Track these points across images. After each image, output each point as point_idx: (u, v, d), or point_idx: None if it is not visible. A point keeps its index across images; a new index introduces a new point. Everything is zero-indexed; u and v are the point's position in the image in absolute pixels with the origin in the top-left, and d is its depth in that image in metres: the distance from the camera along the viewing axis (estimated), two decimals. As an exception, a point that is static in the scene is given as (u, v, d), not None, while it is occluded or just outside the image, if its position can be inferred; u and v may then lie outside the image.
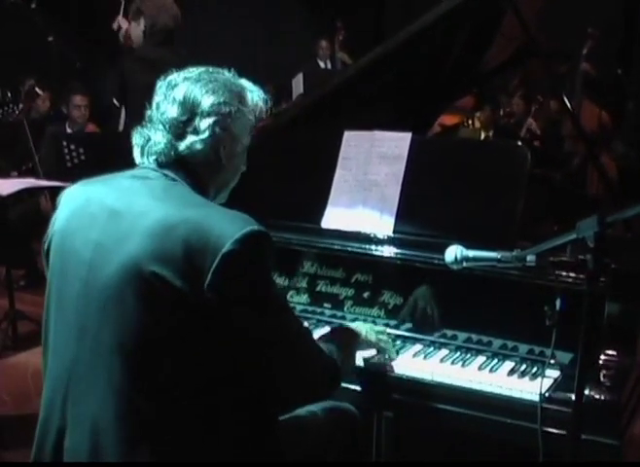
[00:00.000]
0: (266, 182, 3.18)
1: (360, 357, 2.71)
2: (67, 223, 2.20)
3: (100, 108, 8.00)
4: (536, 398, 2.45)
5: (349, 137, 3.15)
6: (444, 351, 2.81)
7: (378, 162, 3.06)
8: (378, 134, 3.11)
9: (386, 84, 3.52)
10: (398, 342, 2.84)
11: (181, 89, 2.19)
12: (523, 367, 2.68)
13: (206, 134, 2.17)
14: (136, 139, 2.25)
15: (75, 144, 6.34)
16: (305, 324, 2.99)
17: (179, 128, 2.18)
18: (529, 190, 2.85)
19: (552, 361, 2.58)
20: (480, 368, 2.68)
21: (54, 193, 5.87)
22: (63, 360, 2.12)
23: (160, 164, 2.20)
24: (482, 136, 7.76)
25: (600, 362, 2.51)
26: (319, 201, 3.13)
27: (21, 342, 5.53)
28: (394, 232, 2.98)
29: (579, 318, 2.07)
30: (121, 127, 6.54)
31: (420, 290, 2.87)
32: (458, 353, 2.79)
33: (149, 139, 2.21)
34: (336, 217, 3.09)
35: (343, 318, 3.02)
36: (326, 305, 3.06)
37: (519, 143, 3.41)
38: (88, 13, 10.43)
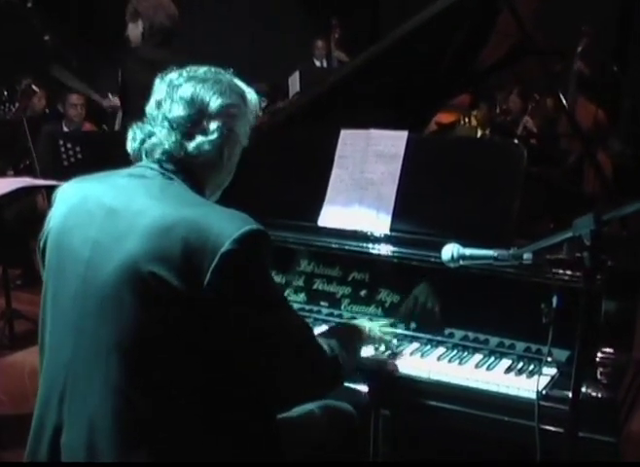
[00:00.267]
0: (262, 180, 3.18)
1: (362, 354, 2.71)
2: (64, 220, 2.20)
3: (97, 107, 8.00)
4: (533, 396, 2.45)
5: (346, 136, 3.16)
6: (441, 349, 2.81)
7: (375, 161, 3.07)
8: (375, 133, 3.11)
9: (382, 82, 3.52)
10: (395, 341, 2.84)
11: (187, 88, 2.19)
12: (520, 365, 2.68)
13: (215, 136, 2.18)
14: (135, 134, 2.24)
15: (71, 143, 6.33)
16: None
17: (187, 128, 2.17)
18: (526, 188, 2.86)
19: (549, 359, 2.57)
20: (477, 366, 2.68)
21: (51, 192, 5.88)
22: (60, 358, 2.12)
23: (162, 163, 2.19)
24: (479, 134, 7.76)
25: (597, 359, 2.51)
26: (316, 200, 3.13)
27: (18, 342, 5.52)
28: (391, 230, 2.98)
29: (575, 316, 2.08)
30: (117, 126, 6.54)
31: (417, 288, 2.87)
32: (455, 351, 2.79)
33: (150, 135, 2.20)
34: (332, 215, 3.09)
35: (340, 317, 3.02)
36: (323, 303, 3.06)
37: (516, 141, 3.41)
38: (87, 12, 10.42)
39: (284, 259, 3.08)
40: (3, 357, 5.31)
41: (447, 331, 2.83)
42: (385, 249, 2.95)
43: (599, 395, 2.44)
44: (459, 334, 2.82)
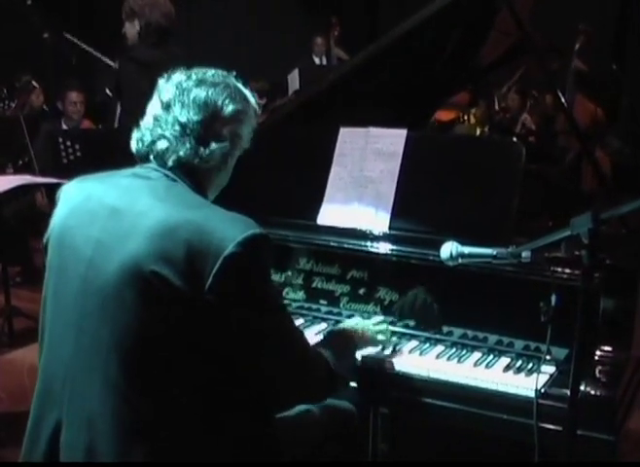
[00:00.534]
0: (261, 179, 3.18)
1: (359, 355, 2.71)
2: (66, 219, 2.20)
3: (96, 105, 8.00)
4: (532, 394, 2.46)
5: (345, 134, 3.16)
6: (440, 347, 2.82)
7: (374, 159, 3.07)
8: (374, 131, 3.11)
9: (381, 80, 3.52)
10: (394, 339, 2.85)
11: (199, 92, 2.17)
12: (519, 363, 2.68)
13: (227, 142, 2.19)
14: (144, 135, 2.21)
15: (71, 140, 6.33)
16: (301, 321, 3.01)
17: (200, 133, 2.16)
18: (524, 186, 2.86)
19: (548, 357, 2.58)
20: (475, 364, 2.69)
21: (50, 189, 5.91)
22: (60, 356, 2.12)
23: (168, 165, 2.18)
24: (478, 132, 7.77)
25: (596, 357, 2.52)
26: (315, 198, 3.13)
27: (17, 339, 5.52)
28: (389, 228, 2.99)
29: (574, 314, 2.08)
30: (116, 124, 6.53)
31: (416, 286, 2.87)
32: (454, 349, 2.80)
33: (160, 138, 2.18)
34: (331, 214, 3.10)
35: (339, 315, 3.02)
36: (322, 301, 3.06)
37: (514, 139, 3.41)
38: (86, 9, 10.42)
39: (283, 257, 3.08)
40: (2, 355, 5.31)
41: (446, 329, 2.84)
42: (384, 247, 2.95)
43: (598, 393, 2.45)
44: (458, 332, 2.82)
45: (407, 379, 2.68)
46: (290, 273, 3.11)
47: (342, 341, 2.62)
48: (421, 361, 2.73)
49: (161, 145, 2.18)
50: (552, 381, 2.54)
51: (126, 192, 2.15)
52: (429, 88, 3.78)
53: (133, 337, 2.01)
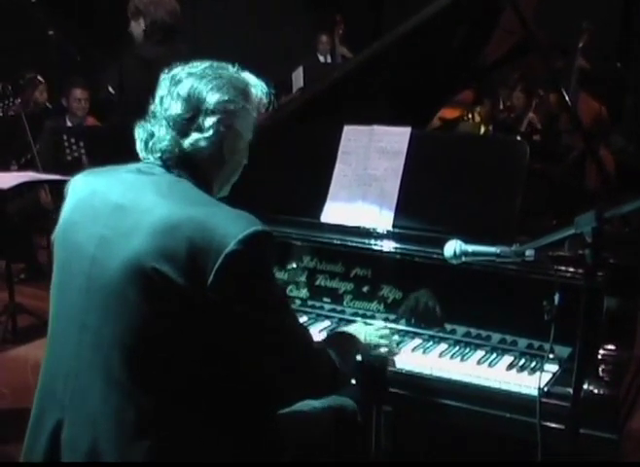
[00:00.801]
0: (265, 176, 3.18)
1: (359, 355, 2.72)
2: (71, 215, 2.21)
3: (100, 102, 7.98)
4: (535, 392, 2.46)
5: (349, 132, 3.16)
6: (443, 346, 2.82)
7: (378, 157, 3.07)
8: (378, 129, 3.11)
9: (386, 78, 3.52)
10: (396, 337, 2.85)
11: (185, 85, 2.17)
12: (522, 361, 2.68)
13: (210, 132, 2.16)
14: (139, 134, 2.23)
15: (75, 137, 6.34)
16: (305, 318, 3.01)
17: (183, 125, 2.16)
18: (528, 184, 2.86)
19: (551, 355, 2.58)
20: (478, 362, 2.69)
21: (54, 186, 5.91)
22: (63, 353, 2.13)
23: (165, 161, 2.18)
24: (482, 130, 7.75)
25: (599, 356, 2.52)
26: (319, 196, 3.13)
27: (21, 336, 5.54)
28: (393, 226, 2.99)
29: (577, 313, 2.08)
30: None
31: (419, 285, 2.87)
32: (457, 347, 2.80)
33: (152, 134, 2.19)
34: (335, 211, 3.10)
35: (343, 312, 3.02)
36: (325, 299, 3.07)
37: (519, 138, 3.41)
38: (90, 7, 10.41)
39: (287, 254, 3.09)
40: (6, 351, 5.32)
41: (449, 327, 2.84)
42: (388, 245, 2.95)
43: (601, 392, 2.45)
44: (461, 330, 2.82)
45: (409, 377, 2.68)
46: (293, 271, 3.11)
47: (345, 341, 2.63)
48: (424, 359, 2.73)
49: (152, 141, 2.19)
50: (555, 380, 2.54)
51: (131, 188, 2.15)
52: (433, 86, 3.78)
53: (136, 334, 2.01)
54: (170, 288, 1.97)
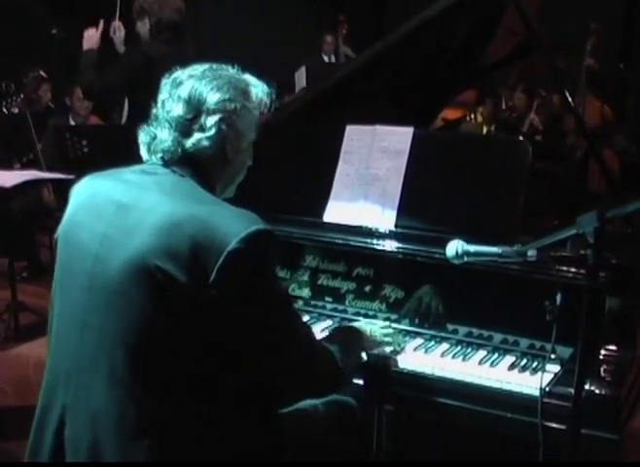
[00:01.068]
0: (268, 176, 3.17)
1: (364, 353, 2.71)
2: (74, 215, 2.22)
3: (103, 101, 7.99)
4: (536, 392, 2.46)
5: (351, 131, 3.16)
6: (445, 345, 2.82)
7: (380, 157, 3.07)
8: (380, 129, 3.11)
9: (388, 78, 3.52)
10: (400, 342, 2.84)
11: (186, 86, 2.18)
12: (524, 361, 2.68)
13: (212, 132, 2.17)
14: (142, 138, 2.25)
15: (78, 136, 6.34)
16: (307, 318, 3.01)
17: (185, 126, 2.17)
18: (530, 184, 2.86)
19: (553, 356, 2.58)
20: (480, 362, 2.69)
21: (57, 185, 5.92)
22: (66, 351, 2.13)
23: (167, 162, 2.20)
24: (485, 130, 7.77)
25: (600, 357, 2.52)
26: (321, 195, 3.13)
27: (23, 334, 5.54)
28: (395, 226, 2.99)
29: (579, 313, 2.08)
30: (124, 120, 6.53)
31: (421, 284, 2.87)
32: (459, 347, 2.80)
33: (155, 137, 2.20)
34: (337, 211, 3.10)
35: (345, 312, 3.03)
36: (327, 298, 3.07)
37: (521, 138, 3.41)
38: (94, 5, 10.41)
39: (289, 254, 3.08)
40: (8, 349, 5.32)
41: (451, 327, 2.84)
42: (390, 245, 2.95)
43: (602, 392, 2.44)
44: (463, 330, 2.82)
45: (411, 377, 2.68)
46: (296, 270, 3.11)
47: (349, 338, 2.63)
48: (426, 359, 2.73)
49: (154, 143, 2.21)
50: (557, 380, 2.54)
51: (134, 187, 2.16)
52: (436, 85, 3.78)
53: (138, 332, 2.02)
54: (173, 286, 1.98)
